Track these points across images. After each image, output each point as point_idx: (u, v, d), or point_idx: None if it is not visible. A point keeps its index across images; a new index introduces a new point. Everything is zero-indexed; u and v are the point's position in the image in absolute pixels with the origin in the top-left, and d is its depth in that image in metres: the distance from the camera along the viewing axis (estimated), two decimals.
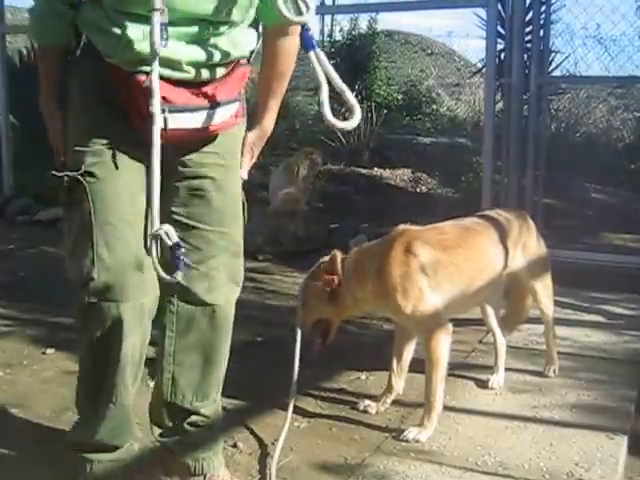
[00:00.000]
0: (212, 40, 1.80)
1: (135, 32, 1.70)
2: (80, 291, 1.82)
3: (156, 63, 1.69)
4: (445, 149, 7.53)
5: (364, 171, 6.67)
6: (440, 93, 10.43)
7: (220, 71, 1.85)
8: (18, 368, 3.01)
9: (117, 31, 1.72)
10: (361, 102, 10.03)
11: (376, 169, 6.71)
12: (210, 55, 1.80)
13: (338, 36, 10.84)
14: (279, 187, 5.04)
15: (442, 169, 6.83)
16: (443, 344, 2.44)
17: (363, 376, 2.95)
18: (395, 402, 2.67)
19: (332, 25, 10.93)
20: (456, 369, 2.89)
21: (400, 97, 10.21)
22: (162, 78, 1.71)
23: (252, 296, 3.99)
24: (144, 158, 1.77)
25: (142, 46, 1.70)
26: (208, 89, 1.81)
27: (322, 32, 11.16)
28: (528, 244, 2.83)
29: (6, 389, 2.77)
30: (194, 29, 1.77)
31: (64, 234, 1.88)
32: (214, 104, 1.81)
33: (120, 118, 1.79)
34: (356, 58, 10.32)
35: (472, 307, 2.85)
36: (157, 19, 1.65)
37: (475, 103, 9.11)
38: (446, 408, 2.58)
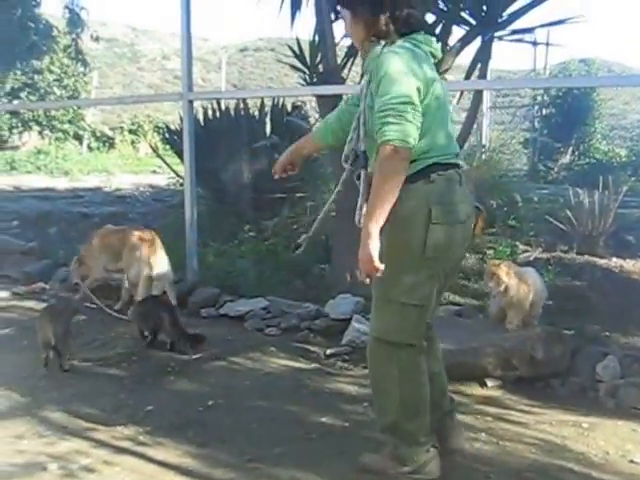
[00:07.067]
0: None
1: None
2: None
3: None
4: None
5: (601, 261, 5.74)
6: None
7: None
8: None
9: None
10: (578, 158, 9.10)
11: (615, 259, 5.76)
12: None
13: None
14: None
15: None
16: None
17: None
18: None
19: (546, 71, 10.04)
20: None
21: (623, 153, 9.10)
22: None
23: (485, 446, 3.30)
24: None
25: None
26: None
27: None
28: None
29: None
30: None
31: None
32: None
33: None
34: (572, 107, 9.39)
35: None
36: None
37: None
38: None
